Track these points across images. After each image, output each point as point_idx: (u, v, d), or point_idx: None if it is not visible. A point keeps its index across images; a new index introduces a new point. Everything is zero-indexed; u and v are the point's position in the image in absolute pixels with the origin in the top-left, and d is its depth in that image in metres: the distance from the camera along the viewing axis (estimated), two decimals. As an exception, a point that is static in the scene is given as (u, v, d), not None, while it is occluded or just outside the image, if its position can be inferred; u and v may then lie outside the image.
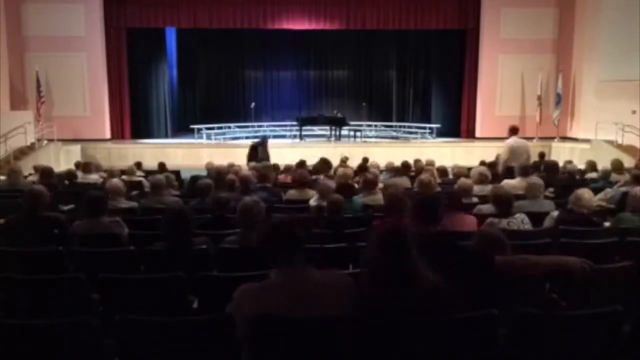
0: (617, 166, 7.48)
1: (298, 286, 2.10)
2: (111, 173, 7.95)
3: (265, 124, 17.44)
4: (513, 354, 2.22)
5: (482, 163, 9.60)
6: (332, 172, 8.11)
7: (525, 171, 6.50)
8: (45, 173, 7.25)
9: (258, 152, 12.17)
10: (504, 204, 4.24)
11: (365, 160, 9.71)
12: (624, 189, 5.63)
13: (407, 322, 2.08)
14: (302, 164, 9.02)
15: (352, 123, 16.36)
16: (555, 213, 4.41)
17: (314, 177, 7.08)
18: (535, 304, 2.29)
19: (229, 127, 17.04)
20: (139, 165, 9.63)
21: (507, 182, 6.29)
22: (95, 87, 15.64)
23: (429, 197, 3.63)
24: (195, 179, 6.86)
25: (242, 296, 2.13)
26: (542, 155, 10.45)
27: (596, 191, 5.43)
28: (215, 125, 16.57)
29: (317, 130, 16.96)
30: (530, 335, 2.20)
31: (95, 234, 3.99)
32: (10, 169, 7.31)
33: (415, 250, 2.15)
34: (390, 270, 2.12)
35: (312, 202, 5.35)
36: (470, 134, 16.67)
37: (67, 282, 2.99)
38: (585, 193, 4.40)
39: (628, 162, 10.04)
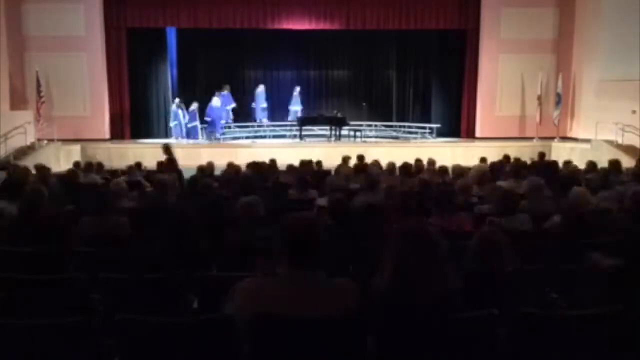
0: (615, 166, 7.49)
1: (300, 287, 2.05)
2: (112, 173, 7.97)
3: (265, 123, 17.45)
4: (513, 354, 2.22)
5: (483, 160, 9.59)
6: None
7: (518, 172, 6.49)
8: (42, 172, 7.24)
9: None
10: (504, 202, 4.26)
11: (361, 157, 9.55)
12: (621, 188, 5.63)
13: (412, 322, 2.07)
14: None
15: (352, 123, 16.34)
16: (558, 217, 4.40)
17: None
18: (535, 304, 2.30)
19: (229, 127, 17.03)
20: (139, 165, 9.63)
21: (499, 184, 6.27)
22: (95, 87, 15.62)
23: (407, 192, 3.65)
24: (194, 179, 6.86)
25: (242, 291, 2.10)
26: (542, 155, 10.43)
27: (595, 191, 5.44)
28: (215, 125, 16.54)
29: (317, 130, 16.94)
30: (530, 335, 2.20)
31: (97, 234, 4.00)
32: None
33: (440, 251, 2.14)
34: (411, 269, 2.10)
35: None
36: (470, 134, 16.66)
37: (67, 282, 2.99)
38: (584, 191, 4.42)
39: (628, 162, 10.05)
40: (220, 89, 16.05)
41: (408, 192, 3.83)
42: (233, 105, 16.64)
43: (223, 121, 15.81)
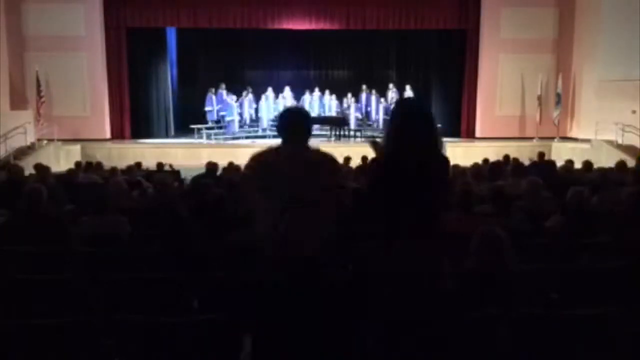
0: (621, 167, 7.49)
1: (299, 156, 2.67)
2: (112, 172, 7.97)
3: (264, 123, 17.43)
4: (513, 354, 2.22)
5: (485, 161, 9.56)
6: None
7: (518, 171, 6.49)
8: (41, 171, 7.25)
9: None
10: (502, 202, 4.26)
11: (365, 159, 9.62)
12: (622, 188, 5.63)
13: (410, 320, 2.08)
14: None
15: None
16: (558, 216, 4.40)
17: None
18: (535, 304, 2.30)
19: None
20: (139, 165, 9.64)
21: (498, 184, 6.25)
22: (95, 87, 15.62)
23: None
24: (197, 179, 6.86)
25: (254, 160, 2.65)
26: (541, 155, 10.43)
27: (594, 190, 5.44)
28: (215, 125, 16.55)
29: (317, 130, 16.93)
30: (530, 335, 2.20)
31: (97, 234, 4.00)
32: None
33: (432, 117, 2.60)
34: (407, 135, 2.53)
35: None
36: (470, 134, 16.66)
37: (67, 282, 2.99)
38: (584, 191, 4.42)
39: (628, 162, 10.03)
40: (216, 89, 16.03)
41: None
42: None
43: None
